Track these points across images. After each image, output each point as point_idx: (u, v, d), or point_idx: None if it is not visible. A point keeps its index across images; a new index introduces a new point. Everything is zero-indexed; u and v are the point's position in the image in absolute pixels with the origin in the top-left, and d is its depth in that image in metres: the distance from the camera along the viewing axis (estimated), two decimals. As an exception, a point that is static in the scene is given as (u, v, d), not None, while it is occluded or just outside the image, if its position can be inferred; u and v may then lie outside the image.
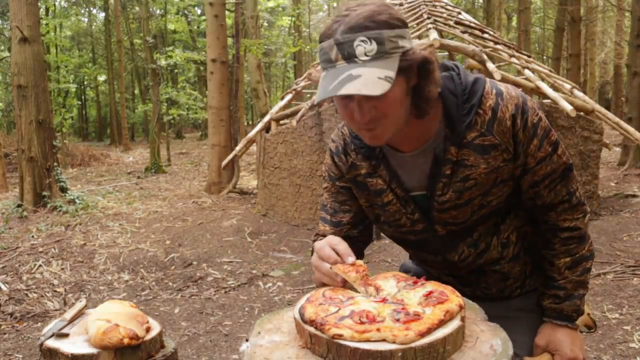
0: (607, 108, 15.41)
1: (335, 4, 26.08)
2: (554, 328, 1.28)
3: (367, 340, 0.92)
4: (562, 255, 1.27)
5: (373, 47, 1.04)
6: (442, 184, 1.20)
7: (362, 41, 1.04)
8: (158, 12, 17.73)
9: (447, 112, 1.17)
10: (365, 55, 1.04)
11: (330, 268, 1.15)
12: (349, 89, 1.02)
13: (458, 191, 1.20)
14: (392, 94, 1.07)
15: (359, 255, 1.39)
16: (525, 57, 6.95)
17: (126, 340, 1.57)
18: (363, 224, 1.38)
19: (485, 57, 5.57)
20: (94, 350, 1.57)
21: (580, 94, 6.19)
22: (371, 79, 1.02)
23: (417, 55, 1.08)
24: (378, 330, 0.93)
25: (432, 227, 1.28)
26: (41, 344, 1.62)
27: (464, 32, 6.62)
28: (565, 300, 1.27)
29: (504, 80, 5.54)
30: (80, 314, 1.83)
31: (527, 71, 6.02)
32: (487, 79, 1.20)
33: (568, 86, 6.33)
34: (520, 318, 1.33)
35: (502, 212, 1.28)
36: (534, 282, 1.37)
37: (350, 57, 1.05)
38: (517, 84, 5.86)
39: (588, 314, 1.40)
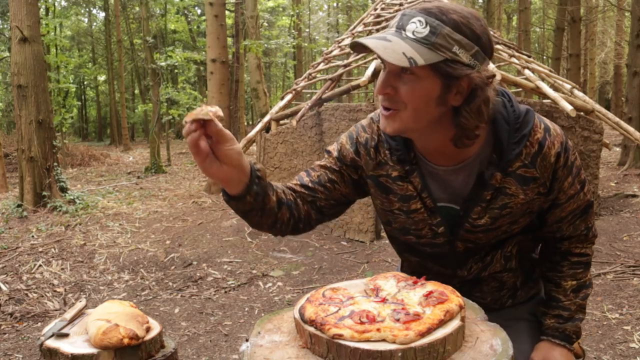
0: (607, 108, 15.43)
1: (335, 4, 26.08)
2: (552, 346, 1.31)
3: (367, 340, 0.92)
4: (569, 278, 1.31)
5: (424, 31, 1.02)
6: (480, 208, 1.20)
7: (419, 20, 1.03)
8: (158, 12, 17.72)
9: (497, 138, 1.15)
10: (413, 33, 1.03)
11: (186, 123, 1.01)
12: (368, 42, 1.02)
13: (494, 217, 1.21)
14: (417, 85, 1.05)
15: (308, 224, 1.29)
16: (525, 57, 6.95)
17: (126, 340, 1.57)
18: (335, 201, 1.31)
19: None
20: (94, 350, 1.57)
21: (580, 94, 6.19)
22: (395, 49, 1.01)
23: (466, 73, 1.03)
24: (378, 330, 0.93)
25: (453, 243, 1.27)
26: (41, 344, 1.62)
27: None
28: (568, 321, 1.31)
29: (504, 80, 5.54)
30: (80, 314, 1.83)
31: (527, 71, 6.02)
32: (535, 112, 1.21)
33: (568, 86, 6.32)
34: (514, 326, 1.34)
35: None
36: (525, 294, 1.40)
37: (400, 28, 1.05)
38: (517, 84, 5.86)
39: (578, 343, 1.42)
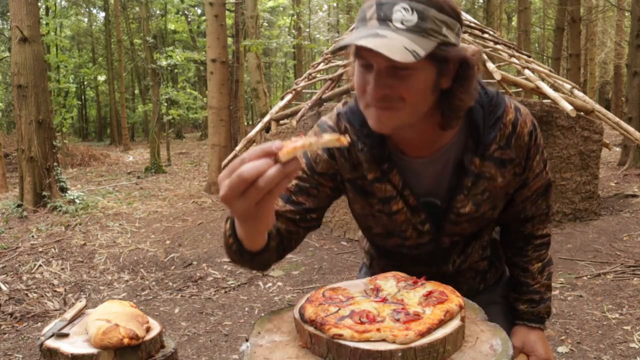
0: (607, 108, 15.43)
1: (335, 4, 26.08)
2: (528, 330, 1.33)
3: (367, 340, 0.92)
4: (535, 261, 1.33)
5: (413, 18, 0.94)
6: (462, 196, 1.17)
7: (404, 8, 0.94)
8: (158, 12, 17.73)
9: (473, 123, 1.12)
10: (402, 23, 0.94)
11: (277, 160, 0.74)
12: (367, 42, 0.91)
13: (477, 204, 1.18)
14: (415, 79, 0.97)
15: (297, 242, 1.20)
16: (525, 57, 6.95)
17: (126, 340, 1.57)
18: (321, 212, 1.21)
19: (485, 57, 5.57)
20: (94, 350, 1.57)
21: (580, 94, 6.19)
22: (396, 45, 0.91)
23: (458, 53, 0.98)
24: (378, 330, 0.93)
25: (439, 239, 1.24)
26: (41, 344, 1.62)
27: (464, 32, 6.62)
28: (540, 303, 1.33)
29: (503, 80, 5.54)
30: (80, 314, 1.83)
31: (527, 71, 6.02)
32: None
33: (568, 86, 6.33)
34: (488, 311, 1.34)
35: None
36: (493, 275, 1.42)
37: (384, 19, 0.94)
38: (517, 84, 5.86)
39: None
